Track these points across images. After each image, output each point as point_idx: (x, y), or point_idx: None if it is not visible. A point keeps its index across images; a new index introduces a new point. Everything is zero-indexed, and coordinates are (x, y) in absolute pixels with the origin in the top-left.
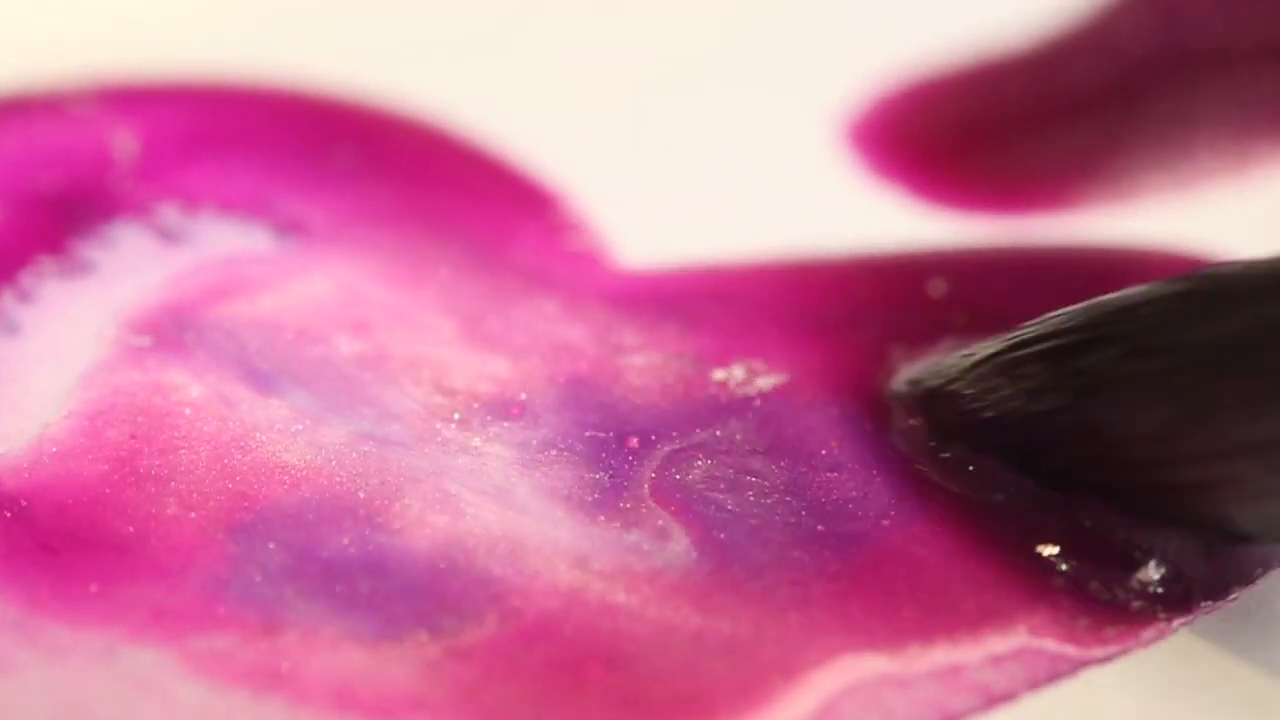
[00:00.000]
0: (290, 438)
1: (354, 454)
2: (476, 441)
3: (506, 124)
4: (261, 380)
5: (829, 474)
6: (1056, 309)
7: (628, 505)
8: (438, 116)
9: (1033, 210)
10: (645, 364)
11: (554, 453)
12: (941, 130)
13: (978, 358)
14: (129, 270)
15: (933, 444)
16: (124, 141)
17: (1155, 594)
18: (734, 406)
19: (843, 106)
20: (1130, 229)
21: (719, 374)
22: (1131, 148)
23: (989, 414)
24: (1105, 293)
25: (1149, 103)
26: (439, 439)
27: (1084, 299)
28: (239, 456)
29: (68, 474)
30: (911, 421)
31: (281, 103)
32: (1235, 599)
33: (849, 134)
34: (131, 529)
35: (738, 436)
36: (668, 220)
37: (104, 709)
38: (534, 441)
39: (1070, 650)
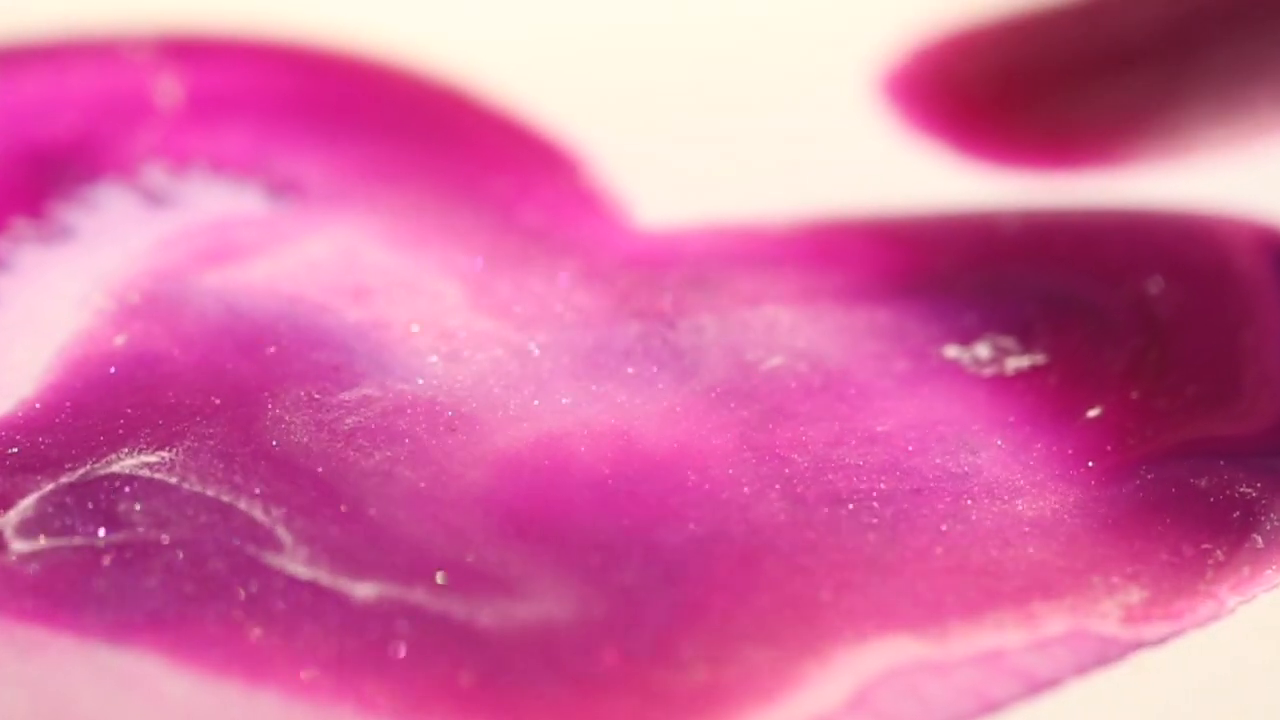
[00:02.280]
0: (285, 409)
1: (351, 429)
2: (486, 417)
3: (515, 76)
4: (253, 350)
5: (864, 445)
6: (1105, 274)
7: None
8: (442, 69)
9: (1081, 167)
10: (666, 332)
11: (567, 427)
12: (984, 81)
13: None
14: (112, 235)
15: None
16: (109, 98)
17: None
18: (762, 376)
19: (878, 55)
20: (1187, 188)
21: (743, 345)
22: (1188, 100)
23: None
24: (1159, 257)
25: (1208, 51)
26: (444, 413)
27: (1134, 265)
28: (226, 429)
29: (44, 448)
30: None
31: (276, 55)
32: None
33: (885, 85)
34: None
35: (766, 407)
36: (689, 178)
37: (86, 705)
38: (547, 415)
39: (1121, 632)
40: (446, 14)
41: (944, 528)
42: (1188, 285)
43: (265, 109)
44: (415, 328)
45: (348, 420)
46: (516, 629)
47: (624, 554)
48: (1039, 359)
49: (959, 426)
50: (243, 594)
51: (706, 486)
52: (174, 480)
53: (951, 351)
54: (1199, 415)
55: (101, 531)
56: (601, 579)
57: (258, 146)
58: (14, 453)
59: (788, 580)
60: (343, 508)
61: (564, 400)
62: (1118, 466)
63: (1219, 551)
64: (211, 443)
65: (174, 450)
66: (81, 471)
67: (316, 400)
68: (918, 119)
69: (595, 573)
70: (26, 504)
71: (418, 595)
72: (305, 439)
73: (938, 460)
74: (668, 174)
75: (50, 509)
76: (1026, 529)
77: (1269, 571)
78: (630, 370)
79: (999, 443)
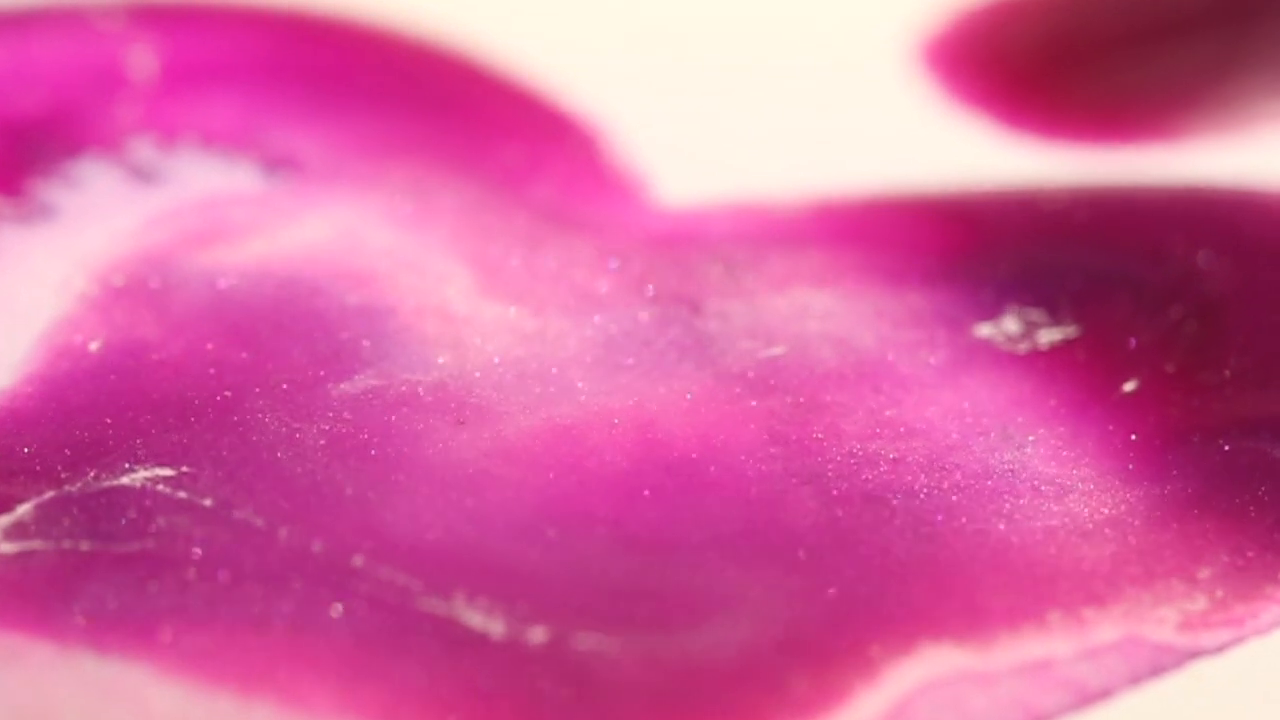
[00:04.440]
0: (281, 403)
1: (352, 422)
2: (497, 409)
3: (527, 41)
4: (248, 337)
5: (901, 438)
6: (1158, 253)
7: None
8: (449, 37)
9: (1131, 141)
10: (689, 317)
11: (584, 420)
12: (1031, 50)
13: None
14: (97, 214)
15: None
16: (93, 66)
17: None
18: (792, 365)
19: (918, 21)
20: (1242, 163)
21: (772, 330)
22: (1244, 70)
23: None
24: (1213, 236)
25: (1265, 19)
26: (452, 405)
27: (1190, 242)
28: (221, 422)
29: (26, 445)
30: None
31: (272, 22)
32: None
33: (925, 53)
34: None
35: (796, 398)
36: (714, 152)
37: (67, 716)
38: (561, 406)
39: (1178, 639)
40: None
41: (987, 527)
42: (1246, 263)
43: (260, 78)
44: (420, 314)
45: (348, 413)
46: (526, 634)
47: (644, 554)
48: (1088, 347)
49: (1003, 418)
50: (236, 600)
51: (732, 482)
52: (162, 478)
53: (994, 338)
54: (1260, 400)
55: (84, 533)
56: (619, 581)
57: (251, 118)
58: None
59: (819, 584)
60: (343, 508)
61: (580, 390)
62: (1174, 460)
63: None
64: (202, 438)
65: (162, 446)
66: (63, 470)
67: (314, 391)
68: (960, 90)
69: (612, 574)
70: (2, 504)
71: (423, 599)
72: (302, 433)
73: (980, 455)
74: (691, 147)
75: (28, 509)
76: (1076, 528)
77: None
78: (651, 358)
79: (1045, 435)
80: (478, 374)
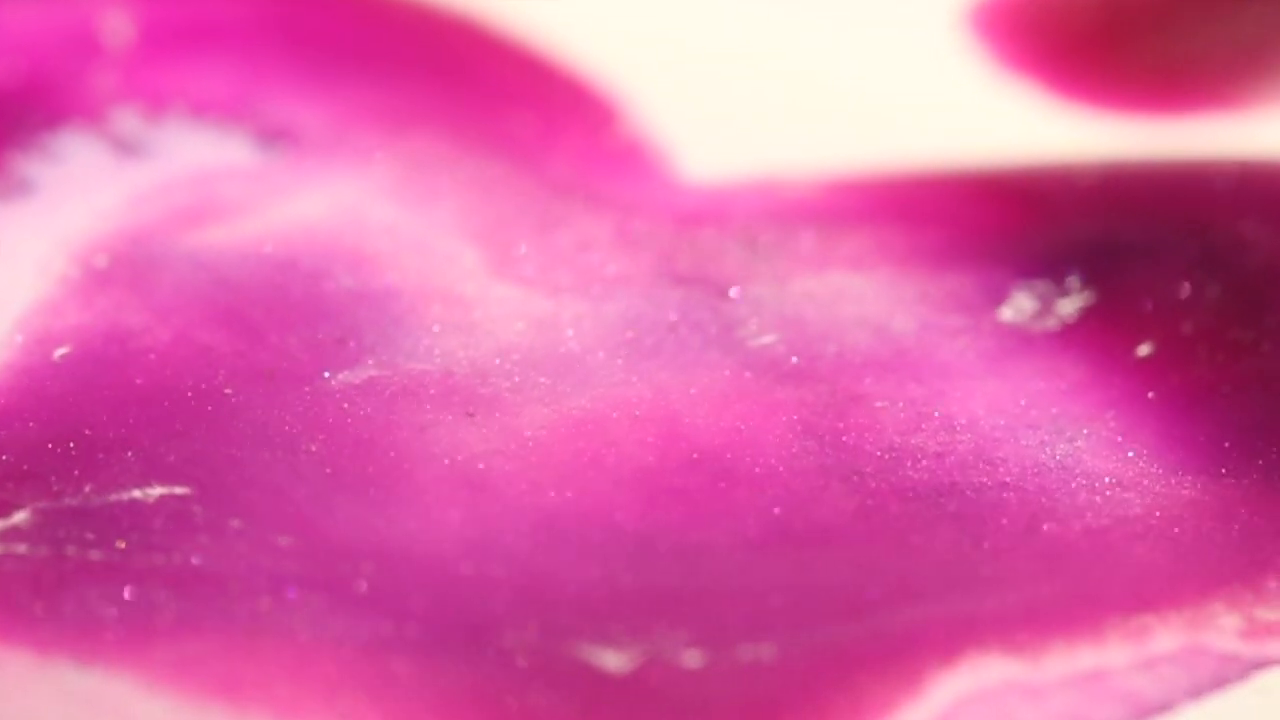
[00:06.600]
0: (275, 395)
1: (354, 415)
2: (509, 399)
3: (542, 6)
4: (241, 323)
5: (943, 432)
6: (1221, 230)
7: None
8: (460, 1)
9: (1193, 110)
10: (715, 301)
11: (602, 411)
12: (1084, 13)
13: None
14: (79, 189)
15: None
16: (73, 30)
17: None
18: (826, 353)
19: None
20: None
21: (804, 316)
22: None
23: None
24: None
25: None
26: (460, 395)
27: (1247, 217)
28: (213, 417)
29: (5, 437)
30: None
31: None
32: None
33: (973, 18)
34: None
35: (830, 388)
36: (742, 124)
37: None
38: (578, 397)
39: (1242, 648)
40: None
41: (1038, 527)
42: None
43: (254, 43)
44: (425, 297)
45: (348, 405)
46: (536, 640)
47: (667, 556)
48: (1144, 331)
49: (1053, 408)
50: (230, 608)
51: (762, 479)
52: (149, 479)
53: (1043, 323)
54: None
55: (66, 536)
56: (641, 585)
57: (245, 87)
58: None
59: (856, 588)
60: (343, 507)
61: (598, 379)
62: (1238, 454)
63: None
64: (190, 434)
65: (148, 444)
66: (44, 472)
67: (313, 383)
68: (1010, 57)
69: (634, 579)
70: None
71: (427, 603)
72: (300, 426)
73: (1029, 449)
74: (717, 119)
75: (5, 511)
76: (1132, 528)
77: None
78: (674, 345)
79: (1099, 427)
80: (488, 362)
